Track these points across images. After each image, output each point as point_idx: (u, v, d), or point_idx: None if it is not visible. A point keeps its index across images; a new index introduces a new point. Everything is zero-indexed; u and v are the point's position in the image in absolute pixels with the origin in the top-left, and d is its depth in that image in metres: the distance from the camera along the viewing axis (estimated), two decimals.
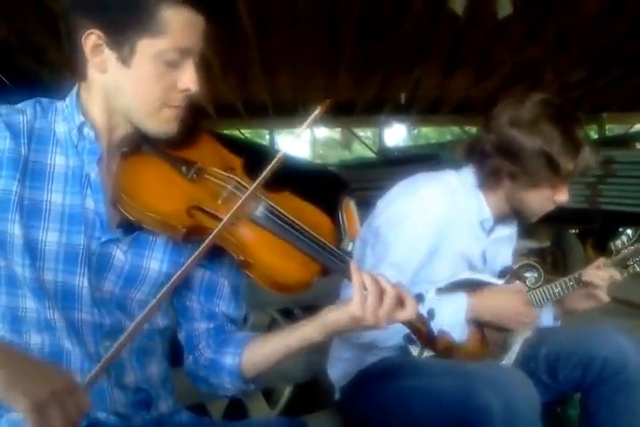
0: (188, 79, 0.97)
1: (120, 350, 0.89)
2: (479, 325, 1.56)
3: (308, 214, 1.06)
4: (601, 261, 1.64)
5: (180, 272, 0.92)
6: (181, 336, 1.13)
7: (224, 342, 1.10)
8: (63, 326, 0.98)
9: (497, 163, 1.51)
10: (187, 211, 0.98)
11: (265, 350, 1.07)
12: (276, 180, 1.01)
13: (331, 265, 1.01)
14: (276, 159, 0.97)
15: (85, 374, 0.99)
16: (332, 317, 1.01)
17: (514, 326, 1.56)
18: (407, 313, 0.99)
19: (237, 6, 4.50)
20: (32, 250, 0.95)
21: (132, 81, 0.95)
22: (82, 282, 0.98)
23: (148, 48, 0.93)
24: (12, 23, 4.55)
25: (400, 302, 0.99)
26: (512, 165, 1.50)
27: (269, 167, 0.98)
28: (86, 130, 0.99)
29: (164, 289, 0.91)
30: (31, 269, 0.95)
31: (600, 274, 1.60)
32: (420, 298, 1.04)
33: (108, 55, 0.94)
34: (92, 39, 0.93)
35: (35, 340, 0.99)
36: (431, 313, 1.06)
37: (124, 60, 0.94)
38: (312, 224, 1.03)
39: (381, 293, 0.98)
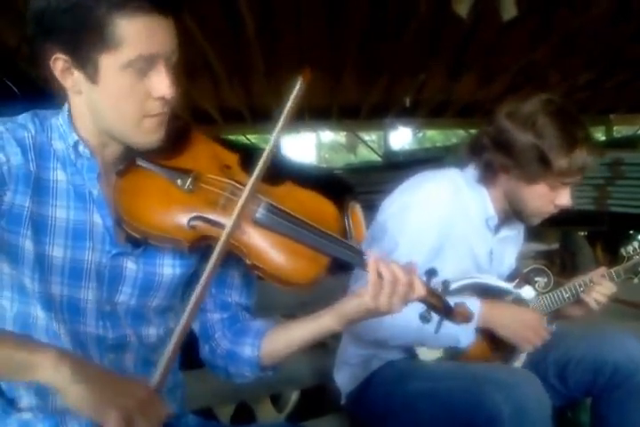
0: (162, 85, 0.93)
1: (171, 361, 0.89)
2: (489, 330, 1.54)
3: (312, 204, 1.05)
4: (602, 270, 1.63)
5: (197, 292, 0.91)
6: (195, 327, 1.13)
7: (240, 332, 1.11)
8: (68, 338, 0.99)
9: (491, 155, 1.51)
10: (188, 223, 0.98)
11: (284, 341, 1.08)
12: (275, 171, 1.00)
13: (338, 256, 1.00)
14: (266, 153, 0.97)
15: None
16: (347, 307, 1.02)
17: (521, 342, 1.52)
18: (417, 293, 0.99)
19: (241, 11, 4.51)
20: (41, 264, 0.95)
21: (105, 98, 0.94)
22: (86, 296, 0.99)
23: (110, 62, 0.91)
24: (23, 32, 4.56)
25: (410, 285, 0.99)
26: (504, 158, 1.49)
27: (261, 164, 0.97)
28: (81, 148, 0.98)
29: (185, 314, 0.91)
30: (40, 282, 0.96)
31: (604, 292, 1.59)
32: (432, 273, 1.04)
33: (78, 77, 0.93)
34: (59, 64, 0.93)
35: None
36: (446, 284, 1.05)
37: (92, 79, 0.92)
38: (316, 215, 1.02)
39: (395, 281, 0.97)
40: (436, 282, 1.04)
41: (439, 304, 1.03)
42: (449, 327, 1.08)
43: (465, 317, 1.06)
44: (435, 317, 1.04)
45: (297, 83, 0.99)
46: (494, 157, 1.50)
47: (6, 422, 0.99)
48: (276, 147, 0.99)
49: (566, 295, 1.62)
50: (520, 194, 1.52)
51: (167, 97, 0.94)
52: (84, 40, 0.90)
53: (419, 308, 1.03)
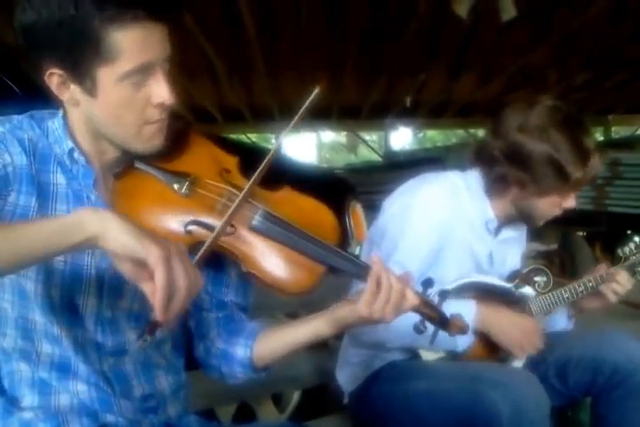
0: (161, 92, 0.93)
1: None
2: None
3: (310, 211, 1.05)
4: (603, 267, 1.64)
5: None
6: (191, 324, 1.14)
7: (235, 332, 1.11)
8: (69, 342, 0.99)
9: (505, 169, 1.50)
10: (185, 228, 0.98)
11: (276, 343, 1.08)
12: (274, 177, 1.00)
13: (334, 265, 1.00)
14: (266, 159, 0.96)
15: (93, 388, 1.01)
16: (341, 313, 1.02)
17: (514, 347, 1.52)
18: (410, 302, 0.99)
19: (241, 11, 4.51)
20: (45, 266, 0.96)
21: (104, 110, 0.93)
22: (86, 301, 0.99)
23: (108, 75, 0.89)
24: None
25: (403, 294, 0.99)
26: (520, 173, 1.48)
27: (260, 169, 0.96)
28: (76, 155, 0.98)
29: None
30: (43, 285, 0.96)
31: (621, 287, 1.60)
32: (429, 283, 1.04)
33: (75, 90, 0.92)
34: (54, 78, 0.92)
35: (46, 349, 1.00)
36: (443, 295, 1.05)
37: (90, 92, 0.91)
38: (313, 221, 1.02)
39: (390, 290, 0.98)
40: (432, 292, 1.04)
41: (434, 315, 1.03)
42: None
43: (460, 328, 1.06)
44: (429, 327, 1.05)
45: (312, 93, 0.98)
46: (509, 171, 1.49)
47: (8, 421, 0.99)
48: (277, 153, 0.98)
49: (566, 295, 1.63)
50: (530, 204, 1.53)
51: (167, 103, 0.94)
52: (80, 55, 0.88)
53: (415, 316, 1.03)
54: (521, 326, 1.52)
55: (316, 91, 0.99)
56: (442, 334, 1.07)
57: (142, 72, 0.91)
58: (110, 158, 1.01)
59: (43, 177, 0.96)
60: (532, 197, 1.51)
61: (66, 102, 0.96)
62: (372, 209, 1.84)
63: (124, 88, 0.91)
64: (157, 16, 0.89)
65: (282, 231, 0.99)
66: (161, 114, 0.96)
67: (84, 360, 1.00)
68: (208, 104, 7.34)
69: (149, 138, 0.97)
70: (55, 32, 0.87)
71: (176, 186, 0.99)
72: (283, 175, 1.00)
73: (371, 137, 11.97)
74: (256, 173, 0.97)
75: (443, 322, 1.04)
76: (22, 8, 0.88)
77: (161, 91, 0.93)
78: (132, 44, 0.88)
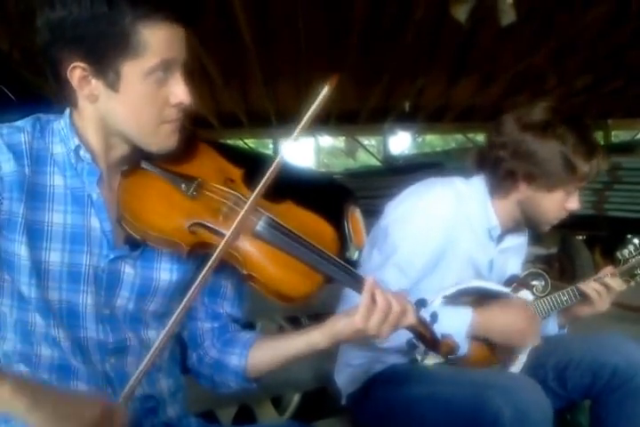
0: (180, 92, 0.96)
1: (149, 366, 0.91)
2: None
3: (310, 224, 1.07)
4: (609, 270, 1.64)
5: (189, 295, 0.93)
6: (185, 335, 1.14)
7: (229, 342, 1.11)
8: (68, 344, 1.00)
9: (512, 165, 1.51)
10: (189, 228, 0.98)
11: (271, 354, 1.08)
12: (277, 190, 1.01)
13: (333, 276, 1.02)
14: (271, 169, 0.97)
15: (93, 388, 1.01)
16: (337, 327, 1.03)
17: (520, 344, 1.54)
18: (407, 321, 1.01)
19: (237, 17, 4.54)
20: (37, 270, 0.96)
21: (125, 105, 0.95)
22: (85, 300, 0.99)
23: (133, 70, 0.92)
24: (15, 36, 4.57)
25: (402, 313, 1.00)
26: (529, 166, 1.50)
27: (266, 178, 0.97)
28: (82, 152, 0.99)
29: (174, 316, 0.93)
30: (37, 289, 0.97)
31: (597, 288, 1.61)
32: (422, 303, 1.05)
33: (96, 84, 0.93)
34: (77, 72, 0.92)
35: (45, 352, 1.00)
36: (434, 317, 1.07)
37: (112, 87, 0.93)
38: (314, 234, 1.03)
39: (388, 310, 0.99)
40: (425, 312, 1.06)
41: (427, 335, 1.05)
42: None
43: (450, 349, 1.08)
44: (422, 345, 1.07)
45: (323, 89, 0.99)
46: (517, 166, 1.51)
47: (11, 421, 0.98)
48: (282, 162, 0.99)
49: (564, 298, 1.63)
50: (538, 201, 1.54)
51: (185, 103, 0.96)
52: (108, 49, 0.91)
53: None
54: (516, 322, 1.52)
55: (326, 89, 1.00)
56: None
57: (164, 70, 0.94)
58: (117, 156, 1.02)
59: (38, 179, 0.97)
60: (540, 192, 1.52)
61: (83, 98, 0.96)
62: (371, 214, 1.85)
63: (147, 85, 0.93)
64: (183, 18, 0.93)
65: (284, 238, 1.00)
66: (177, 114, 0.98)
67: (83, 361, 1.01)
68: (204, 110, 7.35)
69: (164, 137, 0.99)
70: (85, 26, 0.89)
71: (183, 186, 1.01)
72: (286, 189, 1.01)
73: (369, 142, 12.01)
74: (264, 179, 0.98)
75: (434, 342, 1.06)
76: (51, 5, 0.91)
77: (180, 91, 0.96)
78: (159, 41, 0.92)
